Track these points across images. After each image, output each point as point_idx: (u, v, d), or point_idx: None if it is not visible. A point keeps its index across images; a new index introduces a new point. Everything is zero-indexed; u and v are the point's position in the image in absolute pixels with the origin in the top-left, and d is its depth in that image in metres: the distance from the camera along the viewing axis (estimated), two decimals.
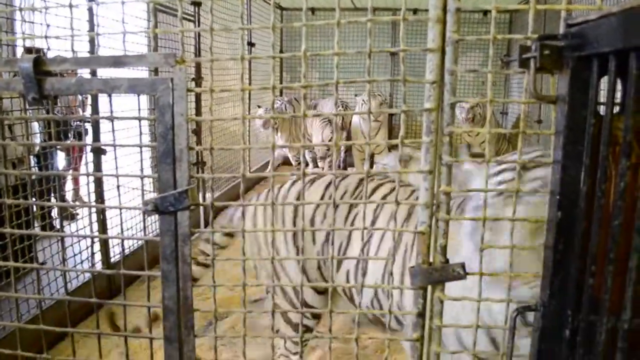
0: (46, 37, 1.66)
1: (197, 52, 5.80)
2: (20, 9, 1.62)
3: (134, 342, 3.19)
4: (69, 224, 5.53)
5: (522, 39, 1.35)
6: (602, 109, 1.16)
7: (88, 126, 4.59)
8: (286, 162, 9.70)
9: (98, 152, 3.95)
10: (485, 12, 9.34)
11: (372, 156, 8.19)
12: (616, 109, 1.13)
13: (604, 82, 1.12)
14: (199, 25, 5.67)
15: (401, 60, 1.38)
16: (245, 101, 1.58)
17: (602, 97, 1.15)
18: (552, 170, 1.28)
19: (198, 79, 5.84)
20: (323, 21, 1.46)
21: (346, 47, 1.39)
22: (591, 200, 1.14)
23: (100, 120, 4.15)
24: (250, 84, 6.82)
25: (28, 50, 4.13)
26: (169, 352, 1.59)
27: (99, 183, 4.13)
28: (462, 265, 1.41)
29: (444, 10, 1.35)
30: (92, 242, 1.66)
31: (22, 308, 3.07)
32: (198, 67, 5.87)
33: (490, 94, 1.41)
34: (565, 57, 1.22)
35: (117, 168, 1.64)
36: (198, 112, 5.75)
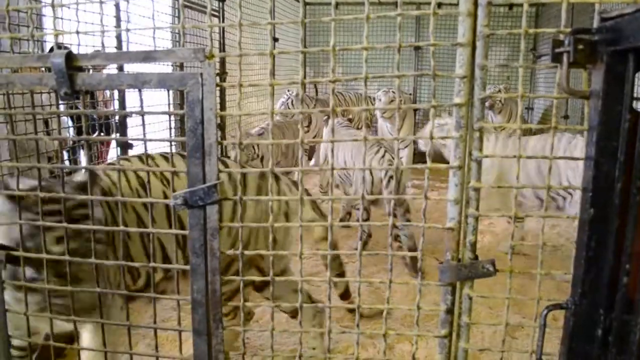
0: (77, 32, 1.69)
1: (222, 48, 5.83)
2: (52, 6, 1.64)
3: (162, 334, 3.23)
4: None
5: (554, 32, 1.33)
6: (637, 105, 1.14)
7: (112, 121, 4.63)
8: None
9: (125, 146, 4.00)
10: (511, 6, 9.20)
11: None
12: None
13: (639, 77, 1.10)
14: (223, 22, 5.70)
15: (431, 55, 1.37)
16: (271, 96, 1.59)
17: (638, 92, 1.12)
18: (584, 166, 1.26)
19: (223, 74, 5.87)
20: (352, 15, 1.45)
21: (371, 43, 1.38)
22: (626, 198, 1.12)
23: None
24: (273, 79, 6.79)
25: (58, 47, 4.19)
26: (197, 344, 1.61)
27: None
28: (492, 262, 1.40)
29: (475, 4, 1.34)
30: (122, 236, 1.70)
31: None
32: (223, 62, 5.90)
33: (521, 89, 1.39)
34: (600, 51, 1.20)
35: (147, 161, 1.66)
36: (223, 107, 5.78)
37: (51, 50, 4.01)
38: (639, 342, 1.04)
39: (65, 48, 1.72)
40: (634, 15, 1.07)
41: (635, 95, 1.15)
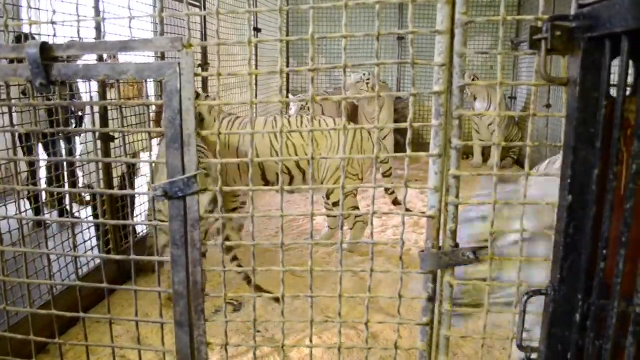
0: (53, 22, 1.66)
1: (204, 39, 5.78)
2: None
3: (145, 327, 3.22)
4: (79, 211, 5.56)
5: (532, 20, 1.33)
6: (613, 91, 1.14)
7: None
8: None
9: (106, 139, 3.94)
10: None
11: None
12: (628, 92, 1.11)
13: (616, 63, 1.11)
14: (204, 11, 5.64)
15: (410, 43, 1.36)
16: (252, 86, 1.57)
17: (614, 79, 1.13)
18: (562, 153, 1.26)
19: (204, 65, 5.82)
20: (330, 3, 1.44)
21: (352, 32, 1.37)
22: (603, 184, 1.13)
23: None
24: (254, 68, 6.69)
25: (18, 39, 4.08)
26: (180, 336, 1.61)
27: (107, 170, 4.14)
28: (473, 250, 1.41)
29: None
30: (105, 228, 1.68)
31: (33, 294, 3.10)
32: (204, 53, 5.84)
33: (500, 76, 1.39)
34: (577, 38, 1.20)
35: (126, 154, 1.64)
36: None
37: (18, 40, 3.92)
38: (615, 327, 1.05)
39: (33, 38, 1.68)
40: (610, 1, 1.07)
41: (611, 82, 1.15)
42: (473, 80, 7.79)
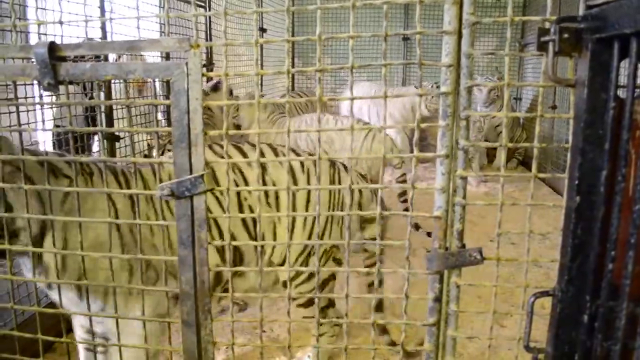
0: (60, 22, 1.66)
1: (209, 39, 5.79)
2: None
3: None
4: None
5: (539, 21, 1.33)
6: (622, 92, 1.14)
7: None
8: None
9: (112, 138, 3.96)
10: None
11: None
12: (636, 92, 1.10)
13: (625, 64, 1.10)
14: (209, 11, 5.65)
15: (417, 43, 1.36)
16: (258, 86, 1.58)
17: (623, 80, 1.13)
18: (570, 154, 1.26)
19: (210, 65, 5.83)
20: (337, 4, 1.44)
21: (359, 33, 1.37)
22: (611, 185, 1.13)
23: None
24: (260, 68, 6.66)
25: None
26: (187, 336, 1.61)
27: None
28: (479, 250, 1.41)
29: None
30: (110, 227, 1.68)
31: (40, 292, 3.10)
32: (210, 53, 5.86)
33: (507, 77, 1.39)
34: (585, 39, 1.20)
35: (133, 154, 1.65)
36: None
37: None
38: (623, 328, 1.05)
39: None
40: (619, 2, 1.07)
41: (619, 83, 1.15)
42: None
